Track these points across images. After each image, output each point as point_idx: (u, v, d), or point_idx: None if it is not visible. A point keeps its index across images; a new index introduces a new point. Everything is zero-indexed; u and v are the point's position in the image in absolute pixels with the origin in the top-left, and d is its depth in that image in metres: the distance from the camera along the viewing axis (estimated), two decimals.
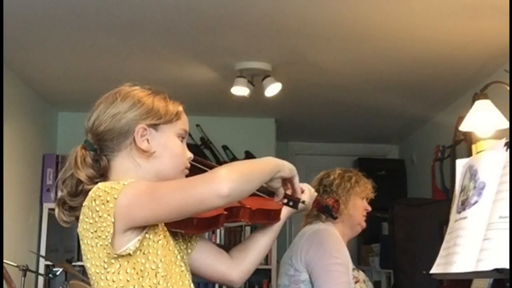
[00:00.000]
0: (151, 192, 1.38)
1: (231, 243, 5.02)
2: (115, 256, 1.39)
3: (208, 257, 1.69)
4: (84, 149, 1.52)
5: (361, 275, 2.66)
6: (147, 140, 1.52)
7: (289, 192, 1.66)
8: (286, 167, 1.57)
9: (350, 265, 2.47)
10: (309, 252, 2.45)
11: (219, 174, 1.36)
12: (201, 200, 1.35)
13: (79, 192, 1.48)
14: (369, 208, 2.65)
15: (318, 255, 2.42)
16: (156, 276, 1.41)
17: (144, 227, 1.41)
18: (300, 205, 1.72)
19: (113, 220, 1.36)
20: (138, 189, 1.39)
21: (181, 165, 1.56)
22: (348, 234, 2.62)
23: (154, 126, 1.53)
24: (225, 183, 1.33)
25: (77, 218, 1.47)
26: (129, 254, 1.39)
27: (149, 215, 1.38)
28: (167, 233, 1.48)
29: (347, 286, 2.40)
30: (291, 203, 1.69)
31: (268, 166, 1.53)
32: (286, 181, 1.62)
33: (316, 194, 1.84)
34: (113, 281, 1.40)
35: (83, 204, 1.43)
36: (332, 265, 2.39)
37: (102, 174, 1.51)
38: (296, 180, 1.63)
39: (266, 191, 1.67)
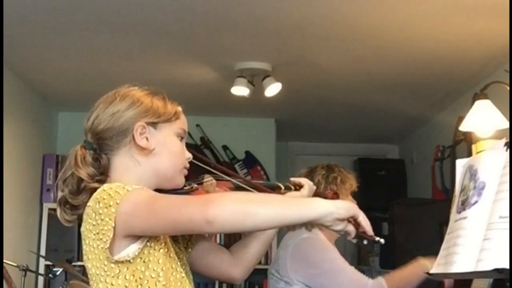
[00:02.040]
0: (150, 203, 1.38)
1: (231, 242, 5.00)
2: (113, 260, 1.39)
3: (209, 255, 1.68)
4: (84, 148, 1.52)
5: None
6: (146, 138, 1.52)
7: (361, 229, 1.47)
8: (341, 208, 1.39)
9: None
10: (302, 264, 2.41)
11: (216, 198, 1.33)
12: (190, 221, 1.33)
13: (81, 190, 1.49)
14: (354, 202, 2.60)
15: (316, 264, 2.40)
16: (156, 284, 1.41)
17: (144, 236, 1.41)
18: (375, 244, 1.55)
19: (113, 225, 1.36)
20: (139, 198, 1.39)
21: (179, 164, 1.56)
22: (335, 236, 2.55)
23: (153, 124, 1.54)
24: (215, 210, 1.29)
25: (79, 217, 1.48)
26: (129, 261, 1.40)
27: (145, 226, 1.37)
28: (168, 239, 1.48)
29: (354, 270, 2.40)
30: (365, 242, 1.50)
31: (299, 207, 1.37)
32: (352, 220, 1.45)
33: (315, 188, 1.80)
34: (112, 285, 1.41)
35: (88, 205, 1.43)
36: (337, 265, 2.39)
37: (103, 172, 1.51)
38: (361, 217, 1.44)
39: (268, 185, 1.65)
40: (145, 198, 1.39)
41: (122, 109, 1.53)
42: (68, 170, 1.51)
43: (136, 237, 1.40)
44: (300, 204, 1.41)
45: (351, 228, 1.43)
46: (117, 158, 1.52)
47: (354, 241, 1.50)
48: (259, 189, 1.62)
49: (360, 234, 1.47)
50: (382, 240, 1.49)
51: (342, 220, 1.40)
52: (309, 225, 2.47)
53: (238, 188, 1.62)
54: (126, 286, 1.40)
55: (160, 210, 1.36)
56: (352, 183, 2.59)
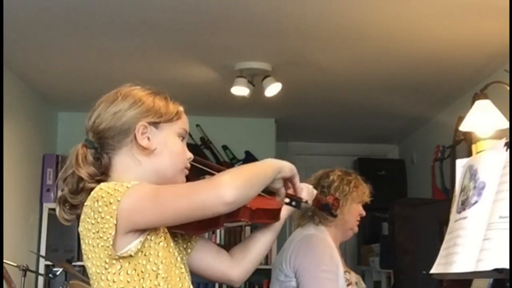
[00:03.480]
0: (154, 197, 1.39)
1: (231, 243, 5.01)
2: (116, 257, 1.39)
3: (208, 256, 1.68)
4: (85, 147, 1.52)
5: (353, 277, 2.61)
6: (148, 137, 1.52)
7: (290, 191, 1.67)
8: (286, 167, 1.60)
9: (340, 270, 2.45)
10: (297, 259, 2.43)
11: (223, 180, 1.37)
12: (205, 207, 1.36)
13: (80, 190, 1.49)
14: (363, 213, 2.62)
15: (306, 263, 2.41)
16: (156, 277, 1.42)
17: (146, 229, 1.41)
18: (303, 205, 1.73)
19: (115, 222, 1.37)
20: (141, 193, 1.39)
21: (180, 164, 1.57)
22: (339, 238, 2.60)
23: (155, 124, 1.54)
24: (230, 190, 1.35)
25: (78, 217, 1.48)
26: (130, 256, 1.40)
27: (153, 219, 1.39)
28: (168, 235, 1.49)
29: None
30: (293, 203, 1.70)
31: (269, 168, 1.55)
32: (287, 181, 1.64)
33: (315, 192, 1.84)
34: (114, 282, 1.41)
35: (85, 204, 1.43)
36: (321, 272, 2.38)
37: (103, 172, 1.51)
38: (297, 179, 1.64)
39: (266, 190, 1.66)
40: (148, 192, 1.40)
41: (124, 108, 1.53)
42: (69, 169, 1.51)
43: (138, 232, 1.40)
44: (269, 166, 1.56)
45: (283, 190, 1.65)
46: (118, 158, 1.53)
47: (283, 202, 1.68)
48: None
49: (290, 196, 1.68)
50: (309, 202, 1.75)
51: (284, 178, 1.61)
52: (317, 219, 2.49)
53: None
54: (128, 282, 1.40)
55: (167, 202, 1.38)
56: (365, 191, 2.62)
